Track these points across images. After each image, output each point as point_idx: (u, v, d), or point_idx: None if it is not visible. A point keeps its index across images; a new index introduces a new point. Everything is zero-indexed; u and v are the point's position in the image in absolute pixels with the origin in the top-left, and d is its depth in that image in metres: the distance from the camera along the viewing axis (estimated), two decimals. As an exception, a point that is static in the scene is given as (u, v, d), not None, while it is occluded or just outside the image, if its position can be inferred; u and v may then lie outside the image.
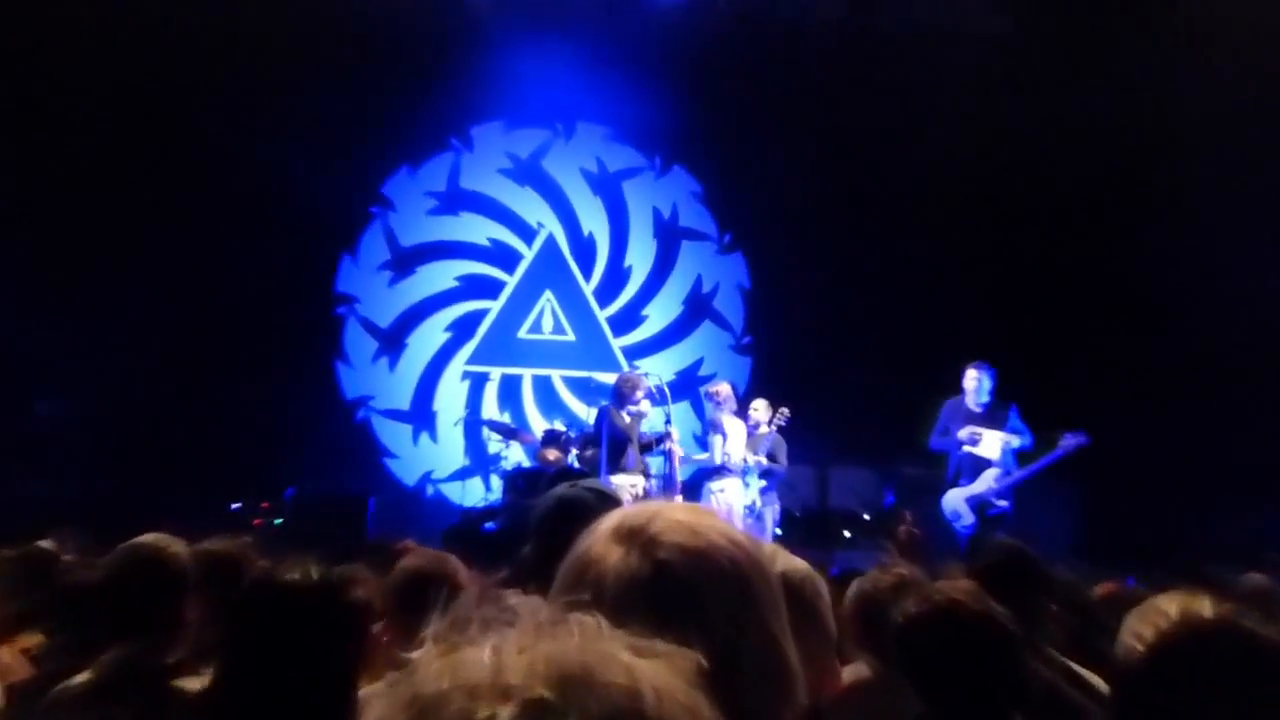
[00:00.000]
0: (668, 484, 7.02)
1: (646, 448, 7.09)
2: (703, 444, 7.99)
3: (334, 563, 1.72)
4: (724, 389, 7.13)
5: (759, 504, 6.98)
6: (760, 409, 7.20)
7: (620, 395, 7.02)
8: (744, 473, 6.87)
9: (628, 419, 6.96)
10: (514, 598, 0.71)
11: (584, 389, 10.08)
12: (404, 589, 2.12)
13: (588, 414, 9.33)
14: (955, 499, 6.75)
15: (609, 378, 9.66)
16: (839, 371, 9.89)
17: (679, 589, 0.81)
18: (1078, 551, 7.89)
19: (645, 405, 7.04)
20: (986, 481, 6.67)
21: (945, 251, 9.71)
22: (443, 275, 10.72)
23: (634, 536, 0.85)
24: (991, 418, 6.74)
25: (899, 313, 9.85)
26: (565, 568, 0.86)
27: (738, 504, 6.75)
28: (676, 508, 0.88)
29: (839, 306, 10.20)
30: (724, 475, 6.79)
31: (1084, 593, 3.07)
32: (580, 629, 0.67)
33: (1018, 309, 8.92)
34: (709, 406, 7.33)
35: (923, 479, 8.23)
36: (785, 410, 7.15)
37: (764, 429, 7.02)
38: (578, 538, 0.88)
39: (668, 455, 7.00)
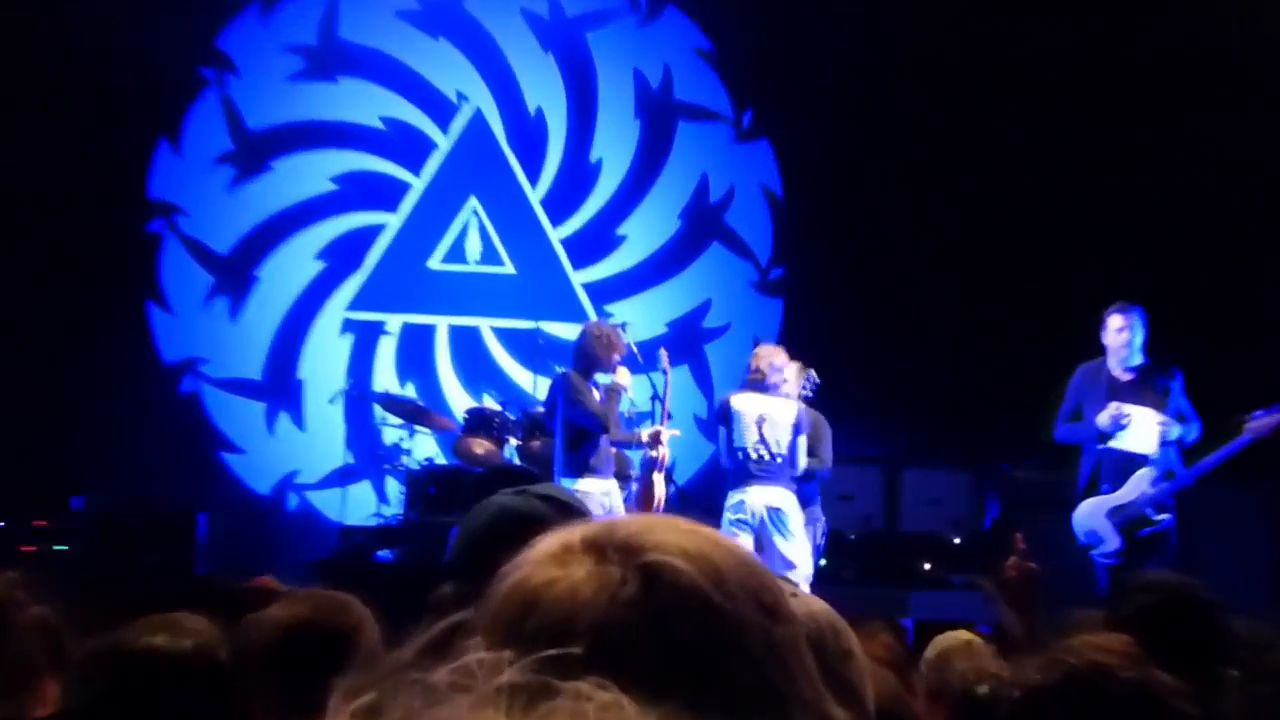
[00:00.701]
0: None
1: (630, 441, 7.37)
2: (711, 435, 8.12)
3: (145, 610, 1.90)
4: (773, 356, 7.27)
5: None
6: (786, 372, 7.36)
7: (587, 358, 7.15)
8: (774, 474, 7.10)
9: (597, 395, 7.11)
10: (462, 655, 0.77)
11: (528, 348, 10.15)
12: (282, 655, 2.18)
13: (535, 386, 9.64)
14: (1092, 513, 6.85)
15: (568, 331, 9.73)
16: (913, 324, 10.13)
17: (698, 628, 0.86)
18: (1273, 592, 8.11)
19: (624, 374, 7.19)
20: (1139, 486, 6.77)
21: (1064, 150, 9.94)
22: (312, 174, 10.69)
23: (615, 549, 0.89)
24: (1144, 388, 6.99)
25: (1003, 239, 10.07)
26: (497, 602, 0.90)
27: (769, 505, 7.07)
28: (674, 521, 0.94)
29: (913, 224, 10.34)
30: (761, 480, 7.04)
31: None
32: (583, 706, 0.73)
33: (1171, 239, 9.25)
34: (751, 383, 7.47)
35: (1041, 485, 8.44)
36: (811, 372, 7.44)
37: (789, 404, 7.18)
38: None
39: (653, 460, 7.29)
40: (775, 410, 7.14)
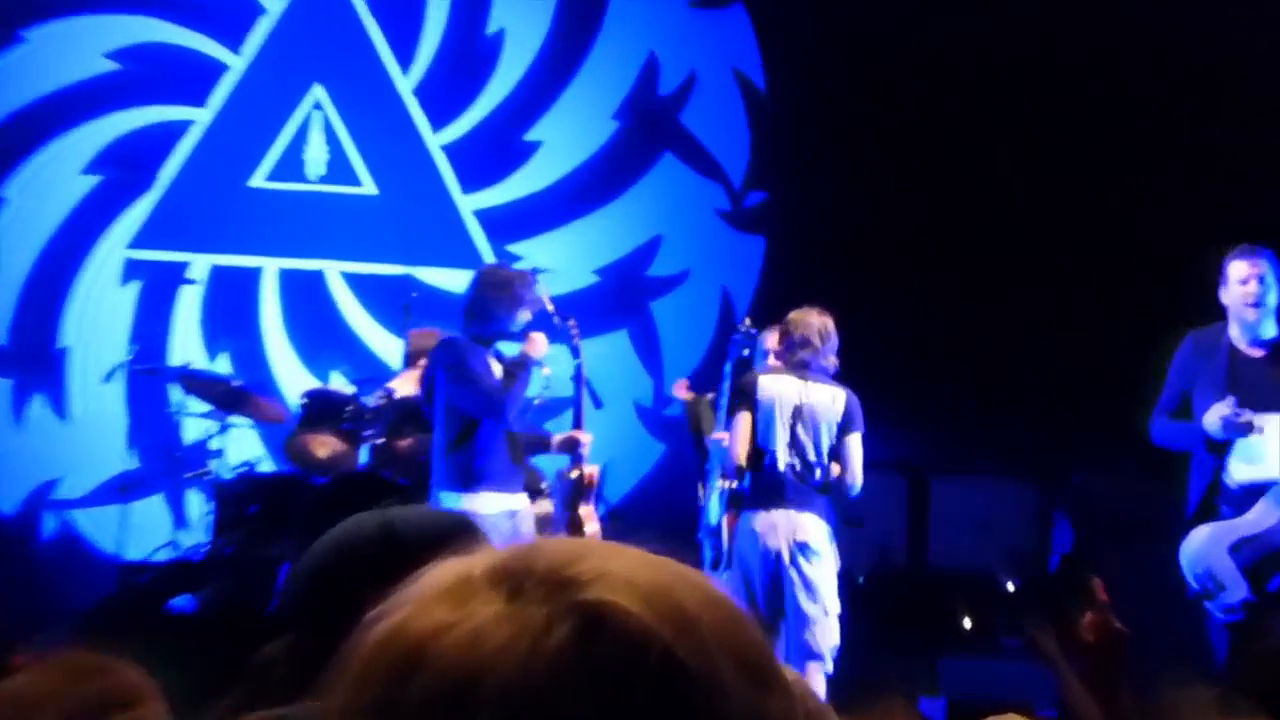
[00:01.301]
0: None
1: (538, 445, 7.58)
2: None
3: None
4: (819, 321, 7.56)
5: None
6: (771, 340, 7.78)
7: (481, 319, 7.31)
8: (807, 494, 7.41)
9: (498, 371, 7.26)
10: None
11: (395, 303, 10.01)
12: None
13: (405, 359, 9.38)
14: (1208, 548, 6.85)
15: (454, 280, 9.91)
16: (948, 275, 10.24)
17: (656, 696, 0.92)
18: None
19: (538, 342, 7.38)
20: (1275, 510, 6.76)
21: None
22: (81, 48, 10.61)
23: (537, 583, 0.95)
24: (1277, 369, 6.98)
25: (1079, 155, 10.23)
26: (362, 661, 0.96)
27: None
28: (620, 548, 1.00)
29: (950, 130, 10.42)
30: (791, 501, 7.33)
31: None
32: None
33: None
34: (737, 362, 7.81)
35: (1132, 504, 8.59)
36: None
37: (837, 392, 7.52)
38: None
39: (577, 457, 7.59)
40: (820, 401, 7.38)
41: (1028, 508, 9.64)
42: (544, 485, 8.12)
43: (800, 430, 7.37)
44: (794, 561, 7.26)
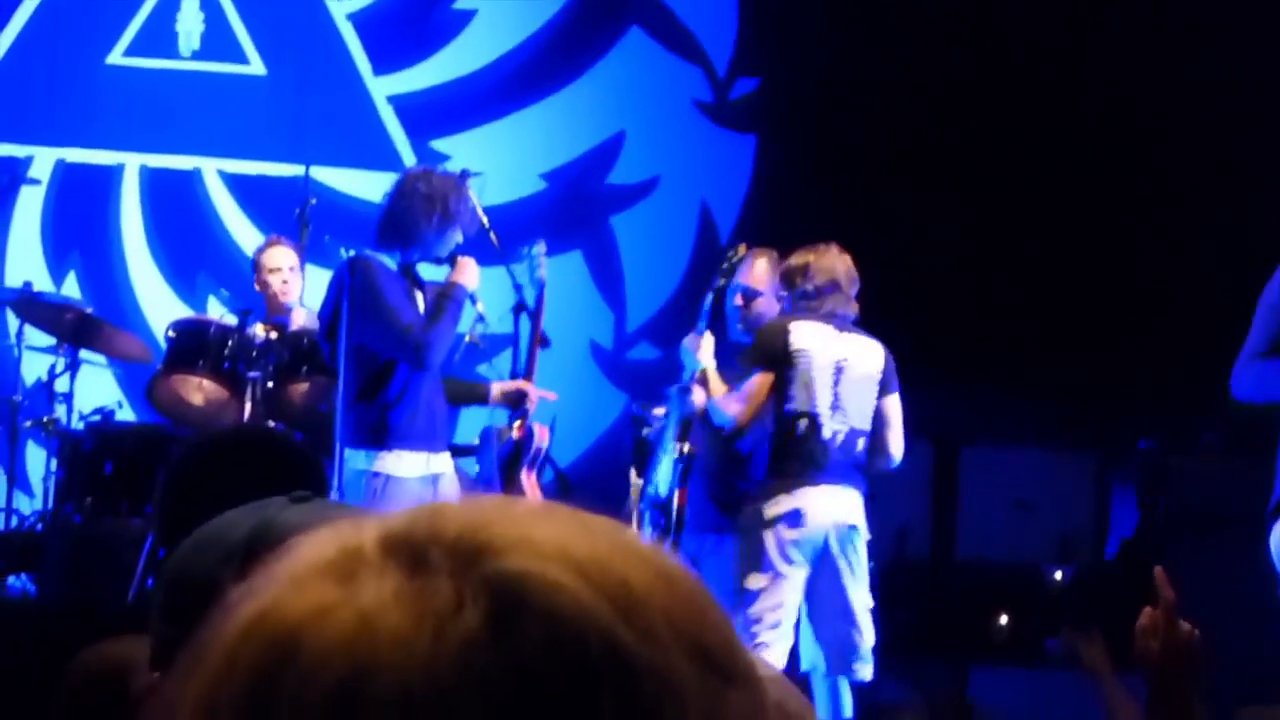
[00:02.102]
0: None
1: (471, 394, 7.82)
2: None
3: None
4: (842, 259, 7.80)
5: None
6: (759, 268, 7.90)
7: (402, 234, 7.39)
8: (848, 468, 7.67)
9: (421, 301, 7.40)
10: None
11: (287, 210, 9.82)
12: None
13: (303, 286, 9.36)
14: None
15: (364, 183, 10.02)
16: (985, 194, 10.29)
17: (592, 688, 0.94)
18: None
19: (467, 268, 7.44)
20: None
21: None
22: None
23: (444, 553, 0.97)
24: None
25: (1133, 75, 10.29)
26: (222, 652, 0.98)
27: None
28: (549, 509, 1.03)
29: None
30: (831, 477, 7.58)
31: None
32: None
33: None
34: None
35: (1213, 480, 8.63)
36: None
37: (875, 347, 7.78)
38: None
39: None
40: (860, 357, 7.62)
41: (1081, 482, 9.72)
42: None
43: (844, 392, 7.57)
44: (843, 548, 7.49)
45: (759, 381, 7.49)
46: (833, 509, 7.50)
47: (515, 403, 7.64)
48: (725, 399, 7.54)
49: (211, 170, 10.65)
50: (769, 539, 7.36)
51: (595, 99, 10.83)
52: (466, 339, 7.70)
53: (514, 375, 7.82)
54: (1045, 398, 9.80)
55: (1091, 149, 10.55)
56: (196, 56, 10.62)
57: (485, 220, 7.74)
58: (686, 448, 7.65)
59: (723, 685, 0.97)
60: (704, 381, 7.69)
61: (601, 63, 10.84)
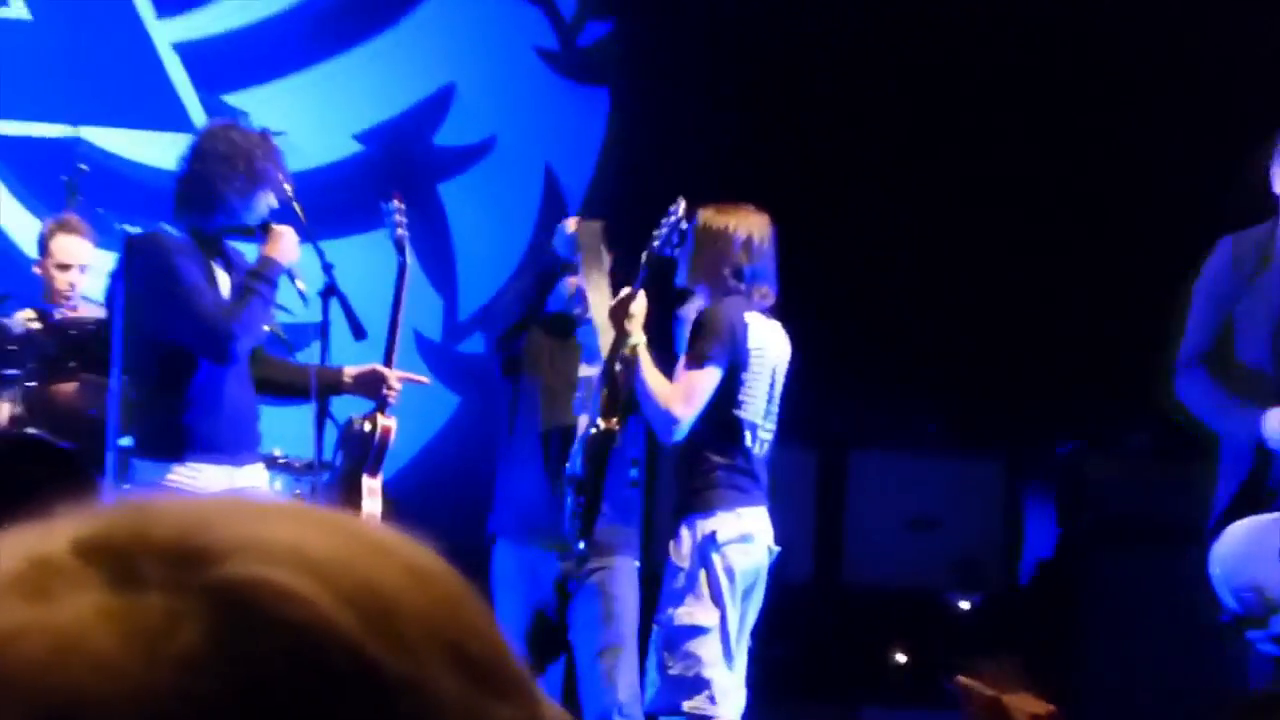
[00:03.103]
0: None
1: (322, 382, 7.59)
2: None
3: None
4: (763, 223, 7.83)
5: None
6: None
7: (206, 204, 7.26)
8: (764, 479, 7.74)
9: (224, 283, 7.34)
10: None
11: (49, 176, 9.62)
12: None
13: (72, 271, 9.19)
14: (1251, 550, 6.90)
15: (149, 146, 9.81)
16: (884, 152, 10.22)
17: (336, 712, 0.91)
18: None
19: (283, 238, 7.36)
20: None
21: None
22: None
23: (157, 558, 0.94)
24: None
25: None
26: None
27: None
28: (279, 506, 1.04)
29: None
30: (762, 490, 7.57)
31: None
32: None
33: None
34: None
35: (1141, 486, 8.59)
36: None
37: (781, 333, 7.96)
38: None
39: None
40: (784, 356, 7.68)
41: (989, 494, 9.45)
42: (278, 453, 8.10)
43: (774, 396, 7.59)
44: (766, 577, 7.54)
45: (710, 379, 7.25)
46: (768, 533, 7.39)
47: (374, 389, 7.40)
48: (670, 393, 7.28)
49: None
50: (717, 564, 7.13)
51: (418, 46, 10.60)
52: (265, 329, 7.53)
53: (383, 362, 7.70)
54: (945, 395, 9.67)
55: (1002, 118, 10.54)
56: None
57: (289, 189, 7.46)
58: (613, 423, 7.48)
59: (491, 700, 0.94)
60: (628, 362, 7.38)
61: (426, 3, 10.58)
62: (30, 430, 8.05)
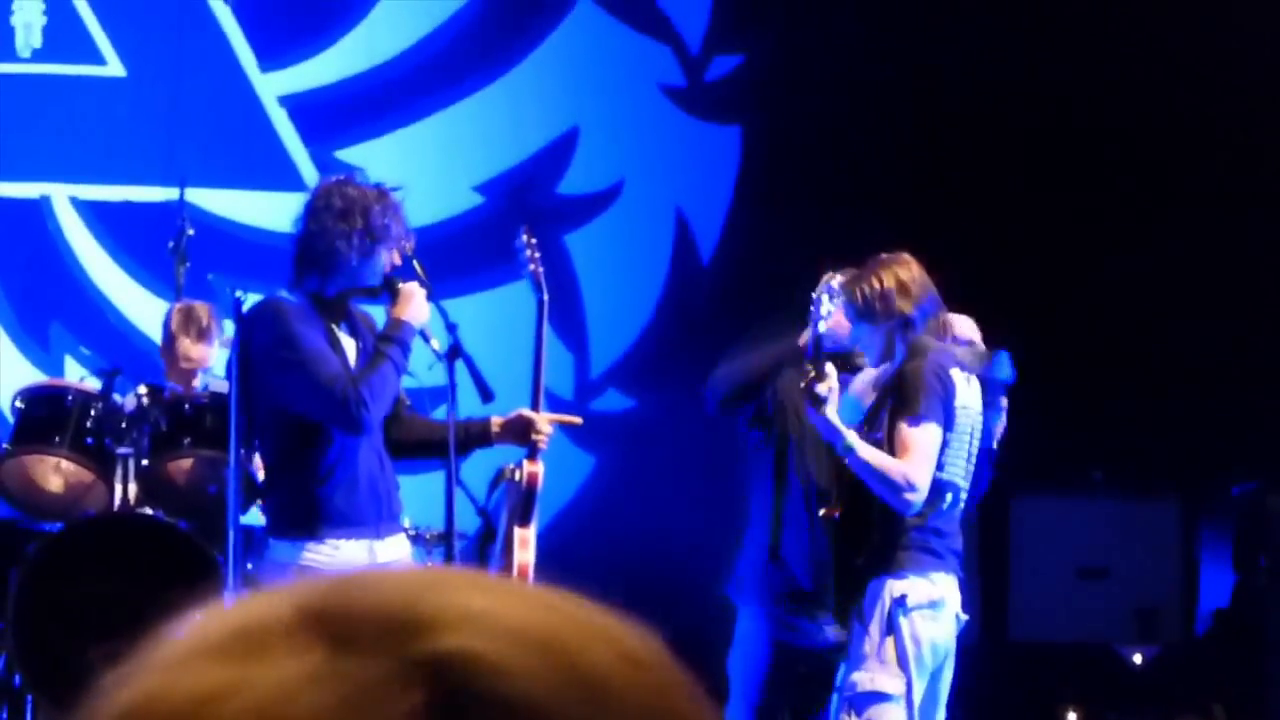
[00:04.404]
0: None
1: (469, 438, 7.54)
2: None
3: None
4: (898, 269, 7.62)
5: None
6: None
7: (325, 265, 7.22)
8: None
9: (351, 350, 7.28)
10: None
11: (154, 242, 9.48)
12: None
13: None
14: None
15: (249, 205, 9.82)
16: (1034, 186, 10.10)
17: None
18: None
19: (413, 297, 7.31)
20: None
21: None
22: None
23: (372, 629, 0.97)
24: None
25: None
26: None
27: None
28: (492, 580, 1.06)
29: None
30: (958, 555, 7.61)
31: None
32: None
33: None
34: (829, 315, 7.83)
35: None
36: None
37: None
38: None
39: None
40: (980, 410, 7.63)
41: (1162, 538, 9.20)
42: (405, 522, 7.82)
43: (973, 456, 7.50)
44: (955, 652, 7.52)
45: (933, 436, 7.11)
46: (957, 601, 7.30)
47: (523, 434, 7.26)
48: (896, 463, 7.05)
49: (62, 197, 10.24)
50: (905, 629, 6.95)
51: (538, 90, 10.56)
52: (417, 381, 7.57)
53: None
54: (1111, 434, 9.50)
55: (1180, 143, 10.29)
56: (39, 57, 10.18)
57: (410, 246, 7.32)
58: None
59: None
60: (844, 442, 7.18)
61: (545, 44, 10.51)
62: (147, 510, 7.97)
